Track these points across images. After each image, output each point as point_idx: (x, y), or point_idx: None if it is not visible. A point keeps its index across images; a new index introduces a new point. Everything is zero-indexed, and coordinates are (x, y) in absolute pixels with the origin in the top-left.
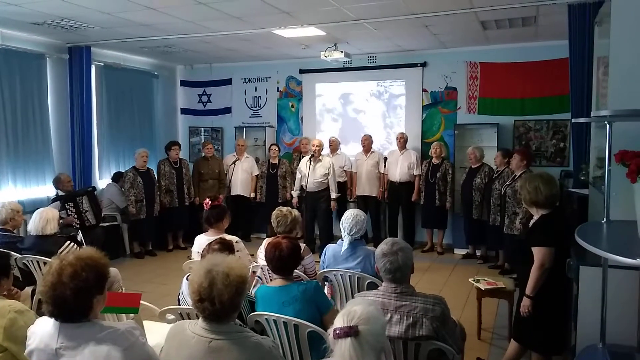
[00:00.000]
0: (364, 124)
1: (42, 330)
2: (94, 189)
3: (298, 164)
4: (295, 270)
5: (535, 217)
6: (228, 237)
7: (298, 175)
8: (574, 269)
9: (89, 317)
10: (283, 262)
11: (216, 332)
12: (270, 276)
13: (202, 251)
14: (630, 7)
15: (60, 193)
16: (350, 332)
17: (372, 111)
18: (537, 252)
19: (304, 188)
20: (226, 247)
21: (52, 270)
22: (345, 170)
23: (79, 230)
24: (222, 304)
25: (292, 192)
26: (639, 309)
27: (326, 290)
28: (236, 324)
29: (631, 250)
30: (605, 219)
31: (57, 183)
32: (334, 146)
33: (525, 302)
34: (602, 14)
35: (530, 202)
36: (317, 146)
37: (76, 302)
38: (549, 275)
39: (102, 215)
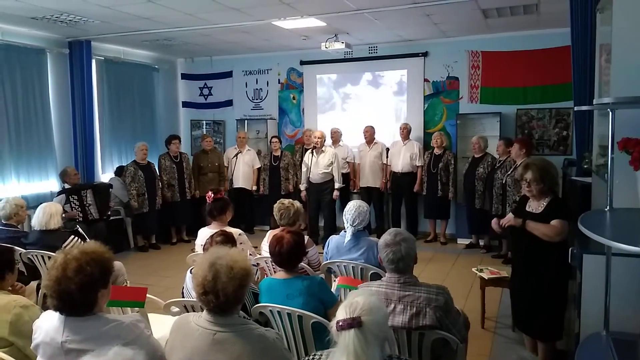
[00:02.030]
0: (366, 114)
1: (48, 324)
2: (111, 185)
3: (300, 156)
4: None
5: (542, 202)
6: (231, 229)
7: (304, 169)
8: (578, 257)
9: (94, 310)
10: (284, 257)
11: (220, 324)
12: (273, 268)
13: (205, 244)
14: None
15: (67, 186)
16: (354, 323)
17: (374, 102)
18: (558, 223)
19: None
20: (228, 240)
21: (57, 264)
22: (347, 162)
23: (77, 225)
24: (226, 296)
25: (301, 185)
26: None
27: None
28: (240, 316)
29: (635, 237)
30: (608, 207)
31: (63, 176)
32: (336, 137)
33: (510, 219)
34: (604, 1)
35: (541, 188)
36: (319, 138)
37: (81, 296)
38: (552, 262)
39: (109, 211)
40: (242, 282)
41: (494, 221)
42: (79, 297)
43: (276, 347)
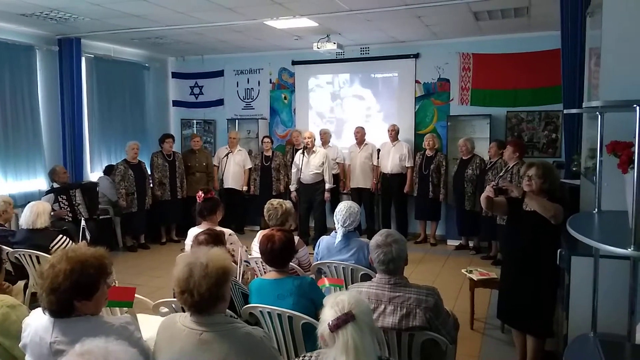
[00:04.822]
0: (357, 115)
1: (37, 323)
2: (96, 184)
3: (290, 157)
4: (289, 263)
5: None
6: (221, 229)
7: (294, 169)
8: (566, 259)
9: (71, 315)
10: (275, 254)
11: (206, 324)
12: (264, 268)
13: (192, 244)
14: None
15: (55, 185)
16: (348, 318)
17: (365, 103)
18: (557, 206)
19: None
20: (213, 239)
21: (50, 261)
22: (337, 163)
23: (82, 220)
24: (200, 295)
25: (291, 186)
26: (630, 298)
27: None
28: (227, 315)
29: (622, 240)
30: (596, 210)
31: (52, 175)
32: (325, 139)
33: (511, 186)
34: (594, 5)
35: (541, 184)
36: (308, 138)
37: (49, 300)
38: (546, 260)
39: (98, 211)
40: (217, 281)
41: (487, 188)
42: (47, 300)
43: (263, 345)
